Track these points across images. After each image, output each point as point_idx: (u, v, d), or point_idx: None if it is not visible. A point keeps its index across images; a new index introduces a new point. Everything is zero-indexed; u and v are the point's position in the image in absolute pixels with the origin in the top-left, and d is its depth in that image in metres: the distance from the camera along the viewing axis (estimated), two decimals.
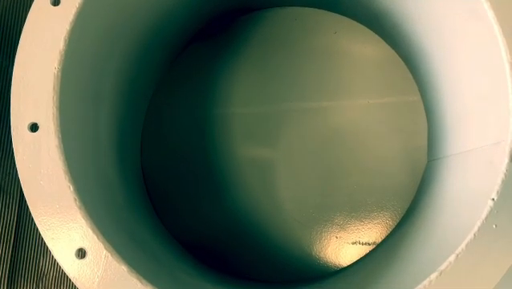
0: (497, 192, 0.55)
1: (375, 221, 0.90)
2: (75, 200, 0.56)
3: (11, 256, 0.91)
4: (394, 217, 0.90)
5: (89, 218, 0.56)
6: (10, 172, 0.92)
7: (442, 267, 0.55)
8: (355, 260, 0.88)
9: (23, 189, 0.57)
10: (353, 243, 0.90)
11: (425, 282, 0.55)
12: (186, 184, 0.95)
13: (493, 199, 0.55)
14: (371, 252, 0.87)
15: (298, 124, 0.94)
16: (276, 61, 0.96)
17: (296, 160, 0.93)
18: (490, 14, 0.57)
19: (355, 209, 0.90)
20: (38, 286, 0.91)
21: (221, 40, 0.98)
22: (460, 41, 0.68)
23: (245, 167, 0.94)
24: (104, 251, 0.56)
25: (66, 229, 0.56)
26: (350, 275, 0.83)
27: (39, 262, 0.92)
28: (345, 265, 0.89)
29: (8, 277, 0.90)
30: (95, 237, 0.56)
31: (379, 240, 0.89)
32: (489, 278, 0.55)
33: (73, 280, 0.56)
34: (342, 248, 0.90)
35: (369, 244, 0.89)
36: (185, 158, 0.95)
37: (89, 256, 0.56)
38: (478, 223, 0.55)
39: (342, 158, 0.92)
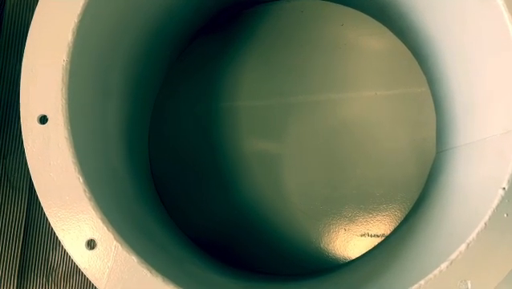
0: (508, 181, 0.55)
1: (384, 213, 0.90)
2: (85, 191, 0.56)
3: (21, 251, 0.92)
4: (403, 208, 0.89)
5: (99, 209, 0.56)
6: (18, 168, 0.93)
7: (453, 257, 0.55)
8: (363, 252, 0.88)
9: (33, 181, 0.57)
10: (362, 235, 0.90)
11: (436, 271, 0.55)
12: (193, 177, 0.95)
13: (503, 188, 0.55)
14: (379, 244, 0.87)
15: (305, 117, 0.93)
16: (282, 54, 0.95)
17: (303, 153, 0.93)
18: (500, 1, 0.56)
19: (364, 202, 0.90)
20: (48, 280, 0.92)
21: (227, 33, 0.98)
22: (468, 30, 0.67)
23: (252, 160, 0.94)
24: (114, 242, 0.56)
25: (76, 221, 0.56)
26: (359, 267, 0.82)
27: (49, 256, 0.93)
28: (354, 257, 0.89)
29: (18, 271, 0.91)
30: (105, 228, 0.56)
31: (388, 232, 0.89)
32: (500, 267, 0.54)
33: (83, 271, 0.56)
34: (350, 240, 0.90)
35: (378, 236, 0.89)
36: (192, 151, 0.95)
37: (99, 247, 0.56)
38: (489, 212, 0.55)
39: (349, 150, 0.91)
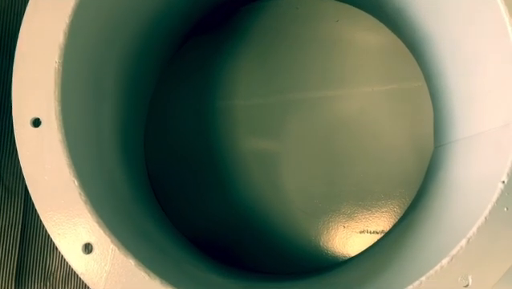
0: (508, 174, 0.55)
1: (383, 210, 0.89)
2: (80, 194, 0.56)
3: (18, 255, 0.91)
4: (401, 204, 0.89)
5: (95, 213, 0.55)
6: (14, 172, 0.92)
7: (453, 252, 0.54)
8: (363, 249, 0.88)
9: (28, 185, 0.56)
10: (361, 232, 0.90)
11: (437, 267, 0.54)
12: (190, 177, 0.94)
13: (503, 182, 0.55)
14: (379, 240, 0.87)
15: (302, 114, 0.93)
16: (278, 51, 0.95)
17: (301, 151, 0.93)
18: None
19: (362, 198, 0.90)
20: (45, 284, 0.91)
21: (222, 31, 0.97)
22: (465, 24, 0.67)
23: (250, 159, 0.93)
24: (111, 245, 0.55)
25: (72, 224, 0.56)
26: (358, 265, 0.82)
27: (46, 260, 0.92)
28: (353, 254, 0.89)
29: (15, 276, 0.90)
30: (102, 231, 0.55)
31: (387, 228, 0.89)
32: (501, 261, 0.54)
33: (81, 276, 0.56)
34: (350, 237, 0.90)
35: (377, 233, 0.89)
36: (189, 151, 0.95)
37: (96, 251, 0.55)
38: (489, 206, 0.54)
39: (347, 147, 0.91)
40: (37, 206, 0.56)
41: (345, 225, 0.90)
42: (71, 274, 0.92)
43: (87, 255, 0.55)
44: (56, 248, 0.91)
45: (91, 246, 0.55)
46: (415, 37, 0.84)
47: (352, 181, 0.90)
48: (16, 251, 0.91)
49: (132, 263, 0.55)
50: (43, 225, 0.91)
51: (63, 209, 0.56)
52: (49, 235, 0.91)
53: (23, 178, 0.55)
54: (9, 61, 0.93)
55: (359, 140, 0.91)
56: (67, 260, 0.56)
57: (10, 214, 0.91)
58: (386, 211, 0.89)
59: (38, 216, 0.91)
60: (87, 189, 0.57)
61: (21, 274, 0.91)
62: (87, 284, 0.55)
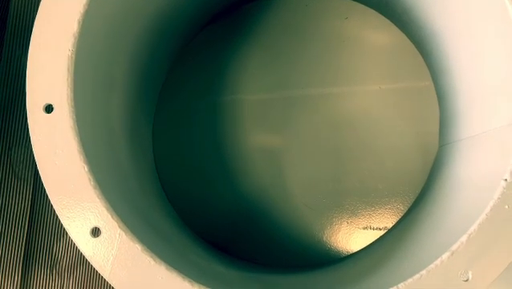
0: (510, 172, 0.55)
1: (387, 207, 0.90)
2: (90, 180, 0.57)
3: (25, 242, 0.92)
4: (405, 202, 0.89)
5: (103, 198, 0.57)
6: (24, 159, 0.93)
7: (454, 247, 0.55)
8: (365, 245, 0.89)
9: (39, 170, 0.58)
10: (364, 228, 0.90)
11: (437, 261, 0.55)
12: (197, 170, 0.95)
13: (505, 180, 0.55)
14: (382, 237, 0.87)
15: (309, 110, 0.94)
16: (287, 47, 0.96)
17: (307, 147, 0.93)
18: None
19: (366, 195, 0.90)
20: (52, 271, 0.93)
21: (231, 27, 0.98)
22: (472, 23, 0.67)
23: (256, 153, 0.94)
24: (118, 230, 0.56)
25: (81, 209, 0.57)
26: (361, 260, 0.83)
27: (53, 247, 0.93)
28: (356, 250, 0.89)
29: (23, 263, 0.92)
30: (110, 216, 0.56)
31: (390, 225, 0.89)
32: (501, 258, 0.55)
33: (88, 258, 0.57)
34: (353, 233, 0.90)
35: (380, 229, 0.89)
36: (196, 145, 0.96)
37: (103, 235, 0.57)
38: (491, 204, 0.55)
39: (353, 144, 0.92)
40: (47, 190, 0.58)
41: (348, 220, 0.91)
42: (77, 262, 0.93)
43: (95, 239, 0.57)
44: (63, 236, 0.93)
45: (99, 230, 0.57)
46: (423, 35, 0.84)
47: (357, 178, 0.91)
48: (24, 238, 0.92)
49: (139, 248, 0.56)
50: (51, 213, 0.93)
51: (73, 194, 0.57)
52: (56, 223, 0.94)
53: (33, 166, 0.57)
54: (23, 50, 0.95)
55: (364, 137, 0.91)
56: (75, 243, 0.57)
57: (19, 201, 0.93)
58: (389, 208, 0.90)
59: (47, 204, 0.93)
60: (97, 175, 0.58)
61: (28, 261, 0.92)
62: (94, 267, 0.56)
